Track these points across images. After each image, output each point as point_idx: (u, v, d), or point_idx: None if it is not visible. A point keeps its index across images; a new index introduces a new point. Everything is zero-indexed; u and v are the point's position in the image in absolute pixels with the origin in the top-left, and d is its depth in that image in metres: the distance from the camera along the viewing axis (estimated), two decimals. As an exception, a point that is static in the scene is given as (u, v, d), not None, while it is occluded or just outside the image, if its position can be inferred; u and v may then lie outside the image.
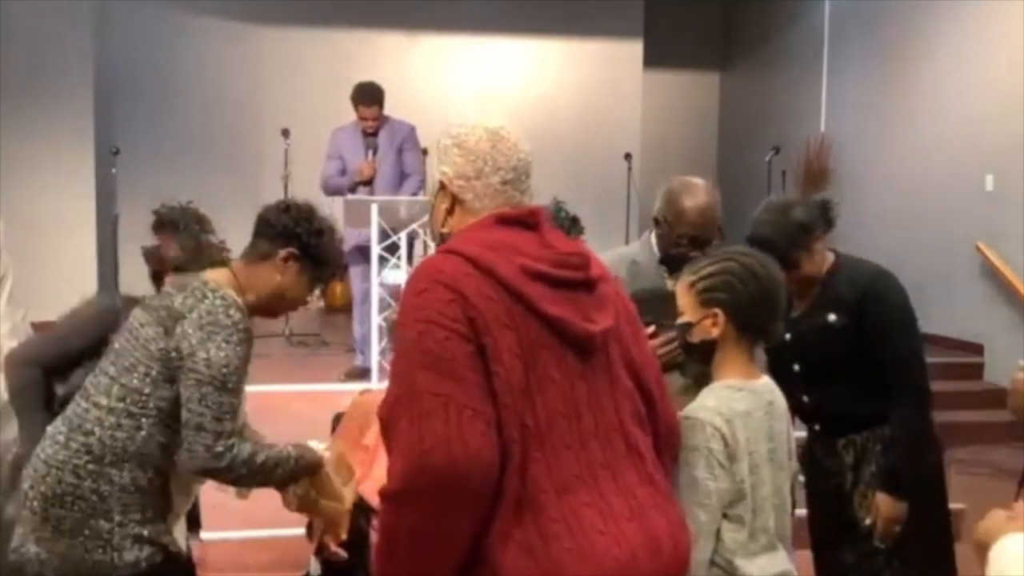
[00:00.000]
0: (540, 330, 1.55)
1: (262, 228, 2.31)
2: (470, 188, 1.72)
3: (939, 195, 7.19)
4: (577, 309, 1.61)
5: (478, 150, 1.72)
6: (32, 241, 6.42)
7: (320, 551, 2.51)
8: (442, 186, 1.75)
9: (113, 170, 6.66)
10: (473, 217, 1.71)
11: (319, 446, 2.30)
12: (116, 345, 2.23)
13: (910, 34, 7.64)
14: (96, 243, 7.58)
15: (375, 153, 5.96)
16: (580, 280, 1.65)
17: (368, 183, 5.94)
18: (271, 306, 2.32)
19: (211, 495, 2.83)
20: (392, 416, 1.49)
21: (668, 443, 1.78)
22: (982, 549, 1.28)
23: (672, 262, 2.62)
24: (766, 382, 2.00)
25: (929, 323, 6.64)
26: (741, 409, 1.90)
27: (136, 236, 7.75)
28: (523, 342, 1.53)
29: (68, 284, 7.24)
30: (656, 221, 2.68)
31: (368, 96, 5.94)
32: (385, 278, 5.35)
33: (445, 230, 1.76)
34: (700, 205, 2.54)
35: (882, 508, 2.51)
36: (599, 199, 8.75)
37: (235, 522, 3.55)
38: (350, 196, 5.77)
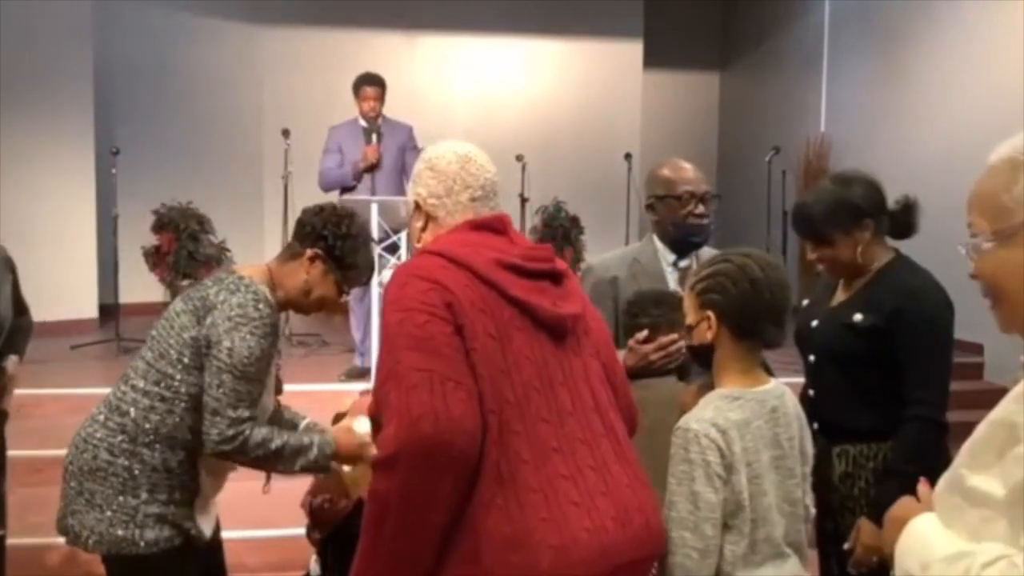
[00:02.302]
0: (513, 313, 1.70)
1: (297, 228, 2.47)
2: (442, 205, 1.88)
3: (939, 195, 7.17)
4: (546, 296, 1.76)
5: (448, 171, 1.88)
6: (32, 241, 6.41)
7: (319, 520, 2.54)
8: (417, 206, 1.92)
9: (113, 170, 6.66)
10: (445, 230, 1.86)
11: (362, 427, 2.34)
12: (154, 332, 2.33)
13: (910, 34, 7.63)
14: (96, 243, 7.58)
15: (379, 140, 5.96)
16: (547, 270, 1.80)
17: (372, 169, 5.92)
18: (300, 303, 2.45)
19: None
20: (382, 392, 1.61)
21: (628, 431, 1.89)
22: (892, 533, 1.29)
23: (682, 239, 2.65)
24: (770, 388, 1.94)
25: (929, 323, 6.65)
26: (737, 419, 1.85)
27: (136, 236, 7.77)
28: (497, 324, 1.67)
29: (67, 284, 7.27)
30: (650, 207, 2.71)
31: (371, 79, 6.05)
32: (384, 278, 5.36)
33: (419, 245, 1.92)
34: (681, 165, 2.69)
35: (863, 535, 2.30)
36: (599, 199, 8.76)
37: (235, 522, 3.55)
38: (348, 196, 5.77)
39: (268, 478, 2.46)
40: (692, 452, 1.81)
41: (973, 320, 7.92)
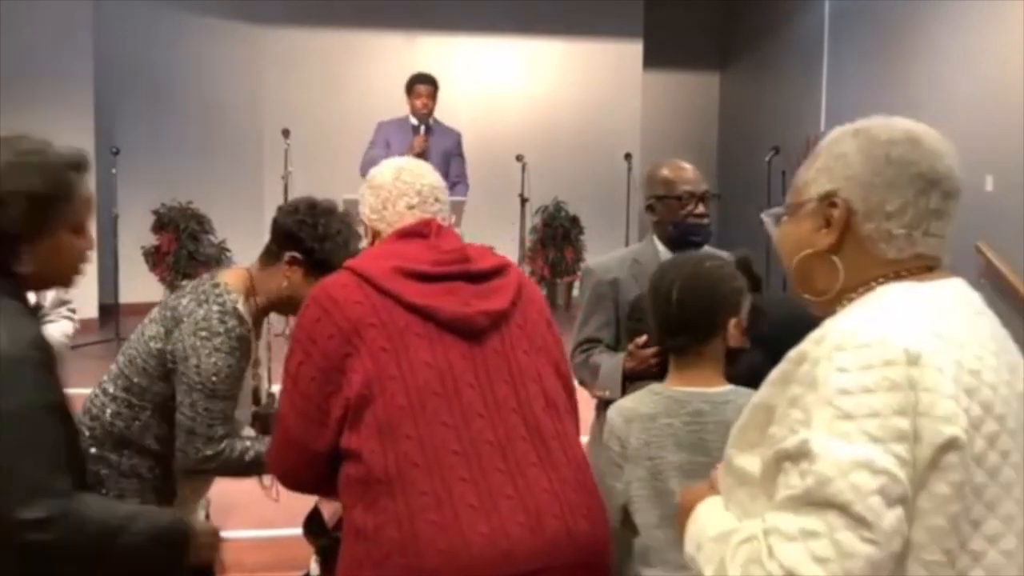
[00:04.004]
0: (411, 320, 1.69)
1: (272, 230, 2.32)
2: (381, 219, 1.89)
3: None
4: (455, 296, 1.73)
5: (382, 183, 1.91)
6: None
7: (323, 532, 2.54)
8: (364, 225, 1.95)
9: (113, 170, 6.66)
10: None
11: None
12: (132, 336, 2.28)
13: (910, 34, 7.64)
14: (95, 243, 7.57)
15: (428, 133, 6.04)
16: (458, 273, 1.77)
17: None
18: (283, 310, 2.34)
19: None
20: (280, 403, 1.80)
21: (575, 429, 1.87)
22: (682, 518, 1.33)
23: (682, 239, 2.64)
24: (713, 392, 1.90)
25: (929, 323, 6.63)
26: (645, 412, 1.88)
27: (136, 236, 7.77)
28: (391, 335, 1.67)
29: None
30: (650, 208, 2.71)
31: (425, 77, 6.21)
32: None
33: None
34: (680, 165, 2.69)
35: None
36: (599, 199, 8.76)
37: (235, 522, 3.55)
38: (348, 196, 5.77)
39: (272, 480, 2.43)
40: (605, 436, 1.92)
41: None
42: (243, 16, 8.67)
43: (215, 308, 2.16)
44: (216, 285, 2.21)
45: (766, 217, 1.39)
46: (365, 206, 1.93)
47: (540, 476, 1.65)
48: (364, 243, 2.00)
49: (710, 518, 1.25)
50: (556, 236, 8.89)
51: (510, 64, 9.48)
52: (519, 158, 7.25)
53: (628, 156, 8.38)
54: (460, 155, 6.14)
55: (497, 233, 6.73)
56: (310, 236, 2.25)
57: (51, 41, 7.29)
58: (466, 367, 1.69)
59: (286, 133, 7.12)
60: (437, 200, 1.91)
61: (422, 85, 6.16)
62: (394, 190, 1.88)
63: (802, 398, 1.12)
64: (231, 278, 2.26)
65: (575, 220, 8.53)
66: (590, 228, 8.44)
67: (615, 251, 2.90)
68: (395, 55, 8.76)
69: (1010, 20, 6.47)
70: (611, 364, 2.51)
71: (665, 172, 2.70)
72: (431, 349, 1.68)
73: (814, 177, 1.31)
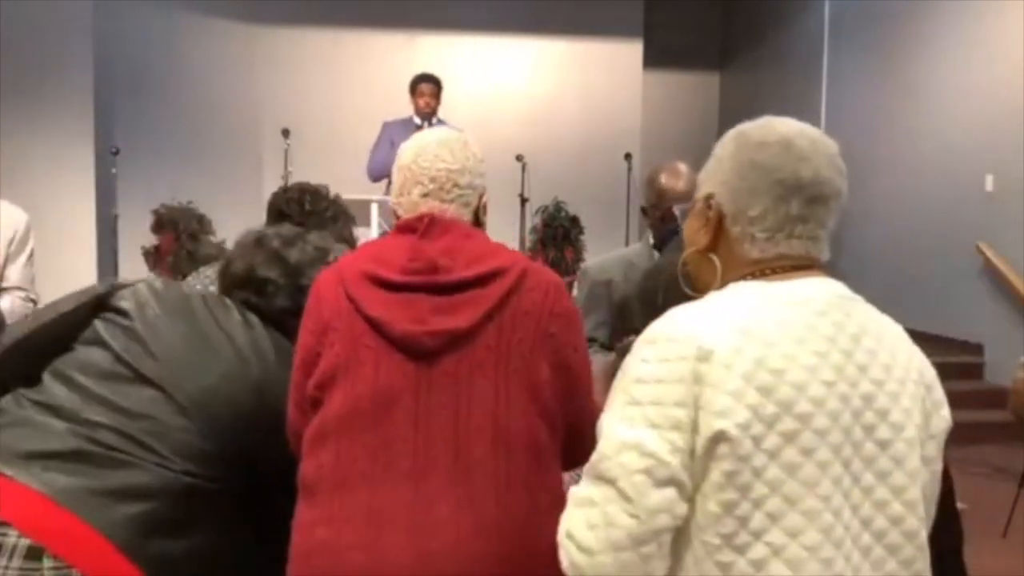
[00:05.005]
0: (365, 330, 1.62)
1: (267, 211, 2.42)
2: (399, 205, 1.77)
3: (939, 195, 7.19)
4: (411, 310, 1.61)
5: (402, 164, 1.77)
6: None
7: None
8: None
9: (113, 170, 6.66)
10: None
11: None
12: None
13: (910, 34, 7.63)
14: (96, 243, 7.58)
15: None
16: (421, 284, 1.62)
17: None
18: None
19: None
20: None
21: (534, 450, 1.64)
22: None
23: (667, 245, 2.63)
24: None
25: (929, 323, 6.67)
26: None
27: (136, 236, 7.78)
28: (346, 342, 1.62)
29: (67, 284, 7.24)
30: (644, 211, 2.70)
31: (427, 77, 6.29)
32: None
33: None
34: (676, 174, 2.59)
35: None
36: (599, 199, 8.75)
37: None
38: (349, 196, 5.78)
39: None
40: None
41: (973, 320, 7.90)
42: (243, 16, 8.67)
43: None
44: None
45: (677, 211, 1.52)
46: (394, 184, 1.81)
47: (448, 515, 1.52)
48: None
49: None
50: (556, 236, 8.88)
51: (510, 64, 9.47)
52: (519, 158, 7.25)
53: (628, 156, 8.38)
54: None
55: (497, 233, 6.68)
56: (297, 212, 2.34)
57: (51, 41, 7.28)
58: (406, 387, 1.58)
59: (286, 133, 7.13)
60: (456, 186, 1.74)
61: (425, 84, 6.22)
62: (410, 175, 1.75)
63: (618, 384, 1.26)
64: None
65: (575, 220, 8.52)
66: (590, 228, 8.43)
67: (612, 252, 2.89)
68: (395, 55, 8.76)
69: (1010, 20, 6.47)
70: (600, 365, 2.51)
71: (661, 181, 2.63)
72: (376, 364, 1.60)
73: (703, 176, 1.39)
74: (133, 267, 7.12)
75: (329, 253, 1.95)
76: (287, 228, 1.98)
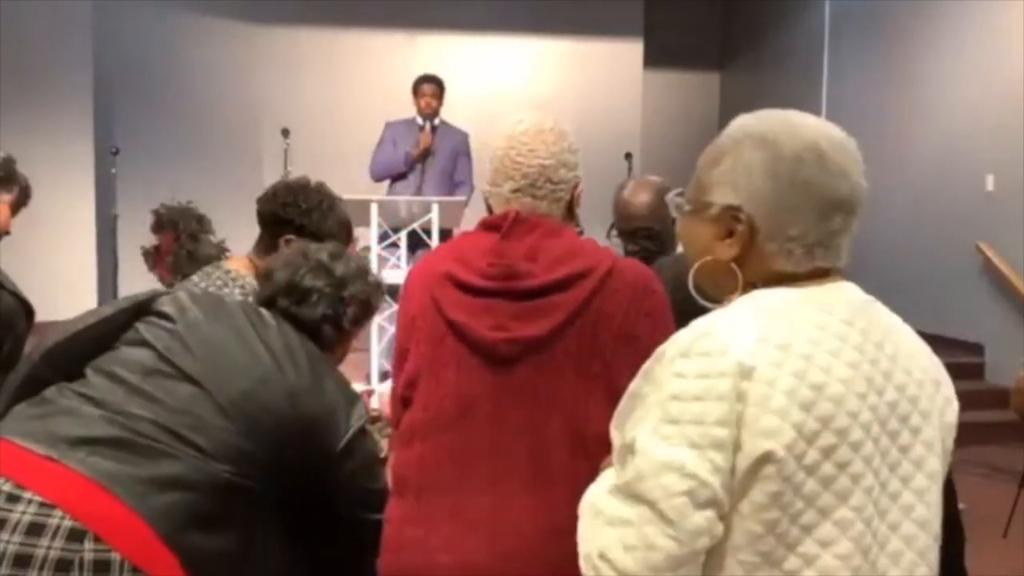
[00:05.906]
0: (446, 331, 1.63)
1: (260, 220, 2.38)
2: (490, 195, 1.75)
3: (939, 195, 7.19)
4: (489, 317, 1.61)
5: (496, 158, 1.73)
6: (31, 241, 6.41)
7: None
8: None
9: (113, 170, 6.66)
10: None
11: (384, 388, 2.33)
12: None
13: (910, 34, 7.63)
14: (95, 243, 7.58)
15: (433, 131, 6.07)
16: (500, 289, 1.62)
17: (424, 157, 6.02)
18: None
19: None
20: None
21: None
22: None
23: None
24: None
25: (929, 323, 6.66)
26: None
27: (136, 236, 7.77)
28: (430, 341, 1.64)
29: (67, 284, 7.26)
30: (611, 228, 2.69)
31: (430, 78, 6.26)
32: (385, 278, 5.34)
33: None
34: (636, 197, 2.57)
35: None
36: (599, 199, 8.71)
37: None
38: (349, 196, 5.77)
39: None
40: None
41: (973, 320, 7.89)
42: (243, 16, 8.67)
43: (236, 291, 2.21)
44: (228, 271, 2.26)
45: (669, 200, 1.42)
46: (486, 171, 1.76)
47: (525, 518, 1.55)
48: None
49: (590, 495, 1.30)
50: (556, 236, 8.89)
51: (510, 64, 9.47)
52: (519, 158, 7.24)
53: (628, 156, 8.38)
54: (467, 155, 6.17)
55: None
56: (296, 214, 2.31)
57: (50, 41, 7.28)
58: (484, 393, 1.59)
59: (286, 133, 7.13)
60: (549, 181, 1.73)
61: (427, 85, 6.21)
62: (501, 168, 1.71)
63: (648, 396, 1.20)
64: (236, 264, 2.31)
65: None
66: (590, 228, 8.39)
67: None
68: (395, 55, 8.76)
69: (1010, 20, 6.47)
70: None
71: (623, 196, 2.62)
72: (457, 367, 1.61)
73: (719, 181, 1.29)
74: (133, 267, 7.11)
75: (369, 272, 2.03)
76: (331, 245, 2.05)
